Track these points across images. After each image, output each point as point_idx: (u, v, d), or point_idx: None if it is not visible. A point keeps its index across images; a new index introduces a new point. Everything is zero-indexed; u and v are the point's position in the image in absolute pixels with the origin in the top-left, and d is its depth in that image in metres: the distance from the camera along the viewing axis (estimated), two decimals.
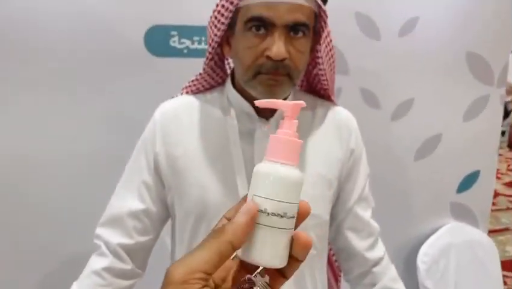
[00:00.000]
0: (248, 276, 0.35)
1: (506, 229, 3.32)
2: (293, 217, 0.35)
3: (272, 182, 0.34)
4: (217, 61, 0.85)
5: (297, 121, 0.36)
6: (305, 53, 0.75)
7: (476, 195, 1.65)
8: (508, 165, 4.96)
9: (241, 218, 0.33)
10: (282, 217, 0.34)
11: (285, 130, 0.36)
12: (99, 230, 0.83)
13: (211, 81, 0.87)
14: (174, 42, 1.26)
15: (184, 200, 0.81)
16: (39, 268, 1.35)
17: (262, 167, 0.35)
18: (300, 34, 0.72)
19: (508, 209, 3.74)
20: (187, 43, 1.26)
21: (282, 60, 0.70)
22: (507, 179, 4.43)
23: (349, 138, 0.86)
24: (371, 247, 0.89)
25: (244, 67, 0.74)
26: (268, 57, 0.70)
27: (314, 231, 0.82)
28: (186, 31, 1.25)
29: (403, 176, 1.57)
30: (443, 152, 1.58)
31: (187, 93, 0.88)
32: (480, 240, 1.64)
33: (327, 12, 0.76)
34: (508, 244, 3.08)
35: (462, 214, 1.67)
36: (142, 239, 0.82)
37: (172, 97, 0.89)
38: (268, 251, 0.34)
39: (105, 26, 1.22)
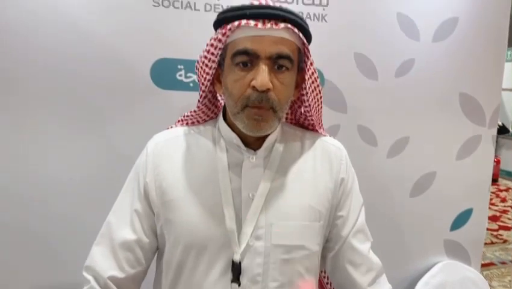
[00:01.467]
0: None
1: (491, 264, 3.36)
2: None
3: None
4: (210, 98, 0.88)
5: None
6: (288, 87, 0.78)
7: (468, 233, 1.68)
8: (491, 199, 5.07)
9: None
10: None
11: None
12: (89, 262, 0.81)
13: (205, 117, 0.91)
14: (181, 76, 1.27)
15: (171, 230, 0.81)
16: None
17: None
18: (284, 69, 0.76)
19: (492, 243, 3.79)
20: (194, 77, 1.28)
21: (267, 91, 0.73)
22: (489, 213, 4.52)
23: (339, 168, 0.87)
24: (373, 283, 0.87)
25: (233, 99, 0.76)
26: (253, 88, 0.73)
27: (301, 263, 0.82)
28: (192, 65, 1.27)
29: (399, 213, 1.59)
30: (437, 190, 1.61)
31: (181, 125, 0.91)
32: (474, 278, 1.65)
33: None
34: (494, 279, 3.10)
35: (455, 251, 1.68)
36: (133, 271, 0.82)
37: (167, 128, 0.91)
38: None
39: (113, 55, 1.22)
